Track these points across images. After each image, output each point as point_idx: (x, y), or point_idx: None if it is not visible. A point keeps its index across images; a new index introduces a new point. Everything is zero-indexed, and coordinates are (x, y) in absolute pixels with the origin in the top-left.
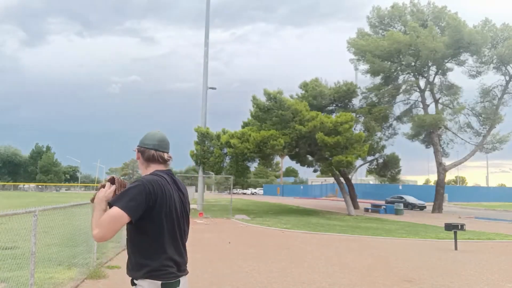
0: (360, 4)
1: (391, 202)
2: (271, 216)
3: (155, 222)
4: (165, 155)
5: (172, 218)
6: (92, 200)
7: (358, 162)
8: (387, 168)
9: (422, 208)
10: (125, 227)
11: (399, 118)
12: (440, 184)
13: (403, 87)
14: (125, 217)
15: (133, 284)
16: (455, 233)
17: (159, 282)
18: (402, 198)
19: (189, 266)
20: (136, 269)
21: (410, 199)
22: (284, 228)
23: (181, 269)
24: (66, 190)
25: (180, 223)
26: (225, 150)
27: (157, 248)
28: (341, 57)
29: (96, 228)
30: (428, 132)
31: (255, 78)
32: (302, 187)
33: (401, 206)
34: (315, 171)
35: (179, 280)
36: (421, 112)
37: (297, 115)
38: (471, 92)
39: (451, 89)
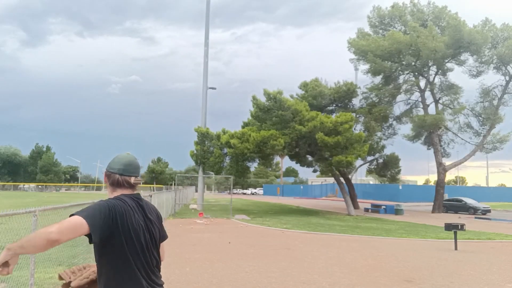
0: (360, 4)
1: (448, 206)
2: (271, 216)
3: (116, 250)
4: (132, 179)
5: (135, 246)
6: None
7: (358, 162)
8: (387, 168)
9: (485, 212)
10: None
11: (399, 118)
12: (440, 184)
13: (404, 87)
14: (85, 227)
15: None
16: (455, 233)
17: None
18: (461, 201)
19: (189, 266)
20: None
21: (472, 202)
22: (284, 228)
23: None
24: (66, 190)
25: (146, 250)
26: (225, 150)
27: (123, 277)
28: (341, 57)
29: (54, 231)
30: (428, 133)
31: (255, 78)
32: (302, 187)
33: (401, 206)
34: (315, 171)
35: None
36: (421, 112)
37: (297, 115)
38: (471, 92)
39: (451, 89)
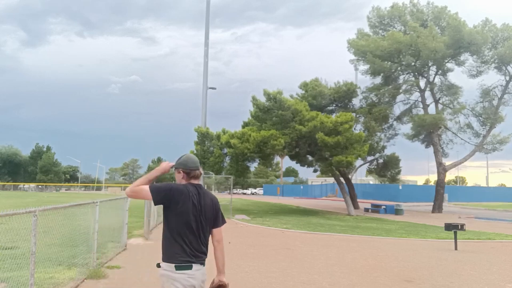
0: (360, 4)
1: None
2: (271, 216)
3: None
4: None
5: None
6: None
7: (358, 162)
8: (387, 168)
9: None
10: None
11: (399, 118)
12: (440, 184)
13: (403, 87)
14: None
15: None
16: (455, 233)
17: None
18: None
19: None
20: None
21: None
22: (284, 228)
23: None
24: (66, 190)
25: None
26: (225, 150)
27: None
28: (341, 57)
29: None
30: (428, 132)
31: (255, 78)
32: (302, 187)
33: (401, 206)
34: (315, 171)
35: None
36: (421, 112)
37: (297, 115)
38: (471, 92)
39: (451, 89)
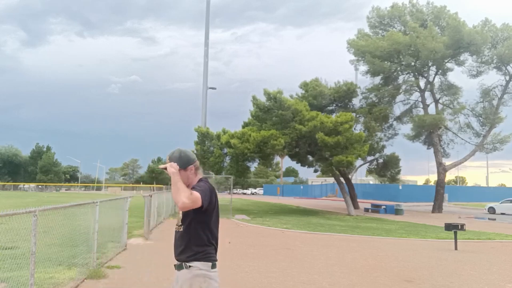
0: (360, 4)
1: None
2: (271, 216)
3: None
4: None
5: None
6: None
7: (358, 162)
8: (387, 168)
9: None
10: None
11: (399, 118)
12: (440, 184)
13: (403, 87)
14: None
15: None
16: (455, 233)
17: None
18: None
19: None
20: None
21: None
22: (284, 228)
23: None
24: (66, 190)
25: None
26: (225, 150)
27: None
28: (341, 57)
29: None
30: (428, 132)
31: (255, 78)
32: (302, 187)
33: (401, 206)
34: (315, 171)
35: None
36: (421, 112)
37: (297, 115)
38: (471, 92)
39: (451, 89)
